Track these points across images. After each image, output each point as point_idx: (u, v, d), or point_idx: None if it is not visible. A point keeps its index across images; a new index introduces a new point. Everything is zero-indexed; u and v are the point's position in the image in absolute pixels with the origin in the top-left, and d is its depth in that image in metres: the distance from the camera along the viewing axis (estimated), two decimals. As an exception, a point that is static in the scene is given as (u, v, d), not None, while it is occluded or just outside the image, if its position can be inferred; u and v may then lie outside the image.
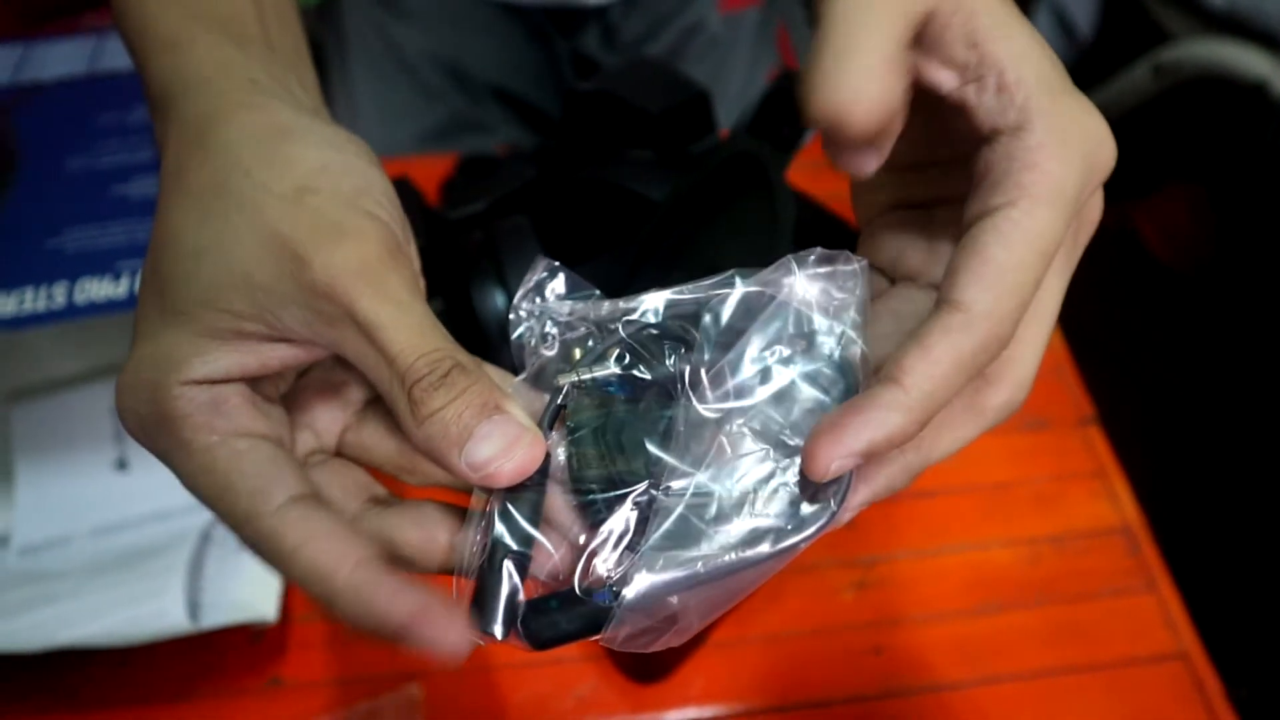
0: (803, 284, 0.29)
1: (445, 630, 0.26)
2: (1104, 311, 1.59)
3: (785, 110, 0.56)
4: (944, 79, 0.29)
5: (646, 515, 0.28)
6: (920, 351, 0.26)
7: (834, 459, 0.26)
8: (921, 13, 0.28)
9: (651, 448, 0.29)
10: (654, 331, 0.31)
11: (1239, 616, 1.03)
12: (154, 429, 0.28)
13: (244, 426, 0.28)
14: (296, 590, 0.57)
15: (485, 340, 0.53)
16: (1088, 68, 1.68)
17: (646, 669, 0.54)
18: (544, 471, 0.28)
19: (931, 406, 0.26)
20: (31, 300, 0.51)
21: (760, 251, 0.50)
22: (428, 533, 0.30)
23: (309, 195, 0.28)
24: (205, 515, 0.59)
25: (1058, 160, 0.27)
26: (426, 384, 0.27)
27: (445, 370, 0.27)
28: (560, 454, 0.30)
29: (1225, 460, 1.38)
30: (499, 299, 0.52)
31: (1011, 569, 0.58)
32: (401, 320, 0.27)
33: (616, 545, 0.28)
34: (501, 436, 0.27)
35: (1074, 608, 0.56)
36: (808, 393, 0.29)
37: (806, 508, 0.28)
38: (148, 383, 0.27)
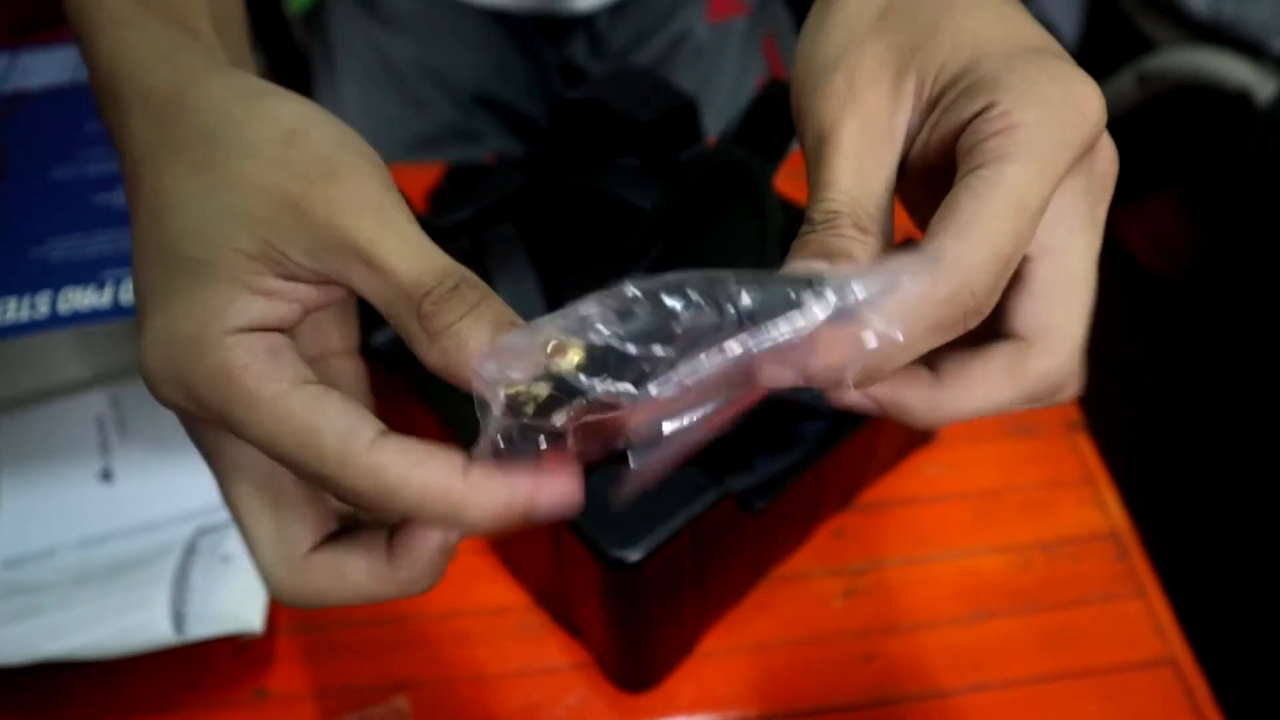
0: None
1: (564, 486, 0.27)
2: (1092, 317, 1.60)
3: (773, 119, 0.56)
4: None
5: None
6: (895, 297, 0.26)
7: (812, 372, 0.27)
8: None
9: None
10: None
11: (1227, 622, 1.03)
12: (207, 388, 0.26)
13: (305, 374, 0.27)
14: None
15: None
16: (1073, 76, 1.69)
17: (636, 678, 0.54)
18: None
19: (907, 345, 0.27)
20: (15, 310, 0.51)
21: (748, 259, 0.50)
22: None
23: (299, 138, 0.28)
24: (191, 526, 0.58)
25: (1029, 118, 0.27)
26: (437, 296, 0.26)
27: (454, 284, 0.26)
28: None
29: (1212, 466, 1.38)
30: None
31: (1001, 576, 0.58)
32: (404, 243, 0.27)
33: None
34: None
35: (1064, 614, 0.56)
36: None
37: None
38: (188, 339, 0.26)
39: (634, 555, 0.45)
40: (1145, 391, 1.51)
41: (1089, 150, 0.30)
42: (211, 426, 0.28)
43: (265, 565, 0.29)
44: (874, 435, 0.56)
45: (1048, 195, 0.28)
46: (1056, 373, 0.30)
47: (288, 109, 0.28)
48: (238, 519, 0.29)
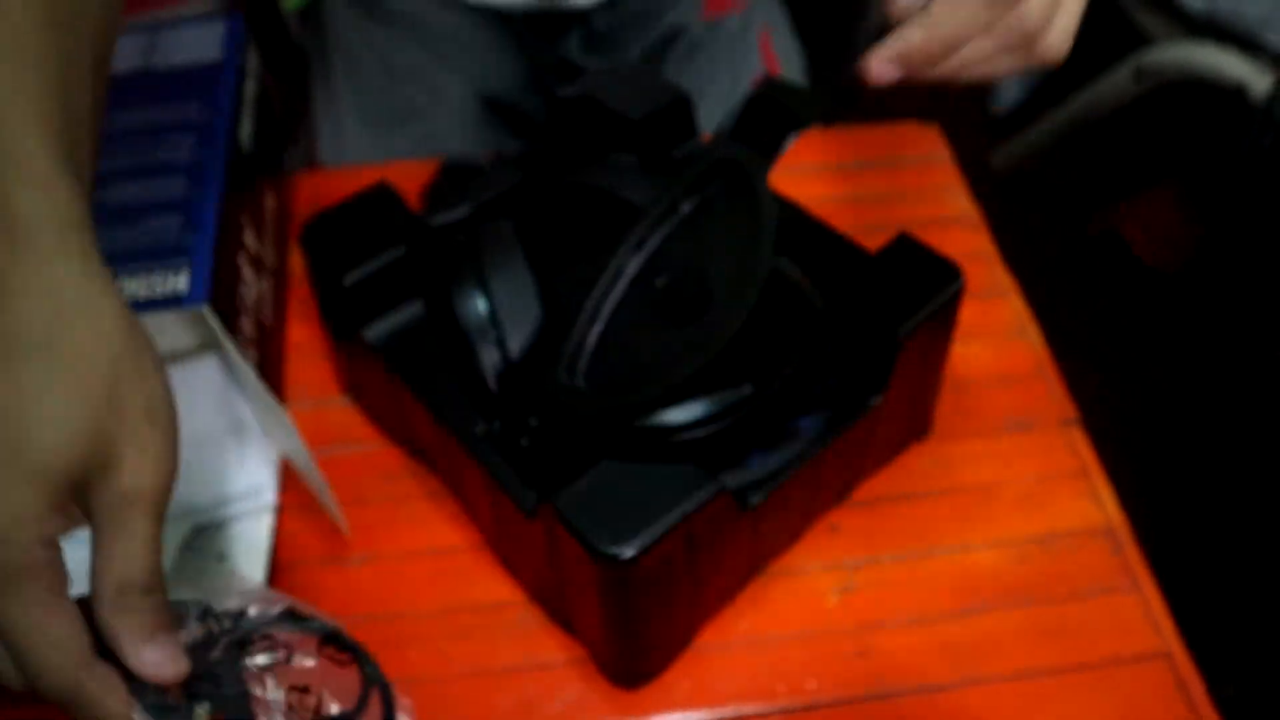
0: None
1: None
2: (1086, 312, 1.60)
3: (768, 115, 0.56)
4: None
5: None
6: None
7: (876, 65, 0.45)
8: None
9: None
10: None
11: (1223, 615, 1.04)
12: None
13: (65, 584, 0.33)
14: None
15: (466, 345, 0.53)
16: (1070, 71, 1.69)
17: (631, 675, 0.54)
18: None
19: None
20: (9, 308, 0.51)
21: (741, 255, 0.50)
22: None
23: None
24: (186, 524, 0.58)
25: None
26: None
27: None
28: None
29: (1208, 459, 1.39)
30: (480, 304, 0.52)
31: (996, 570, 0.58)
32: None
33: None
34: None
35: (1059, 608, 0.57)
36: None
37: None
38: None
39: (628, 551, 0.45)
40: (1139, 385, 1.52)
41: None
42: None
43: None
44: (870, 429, 0.56)
45: None
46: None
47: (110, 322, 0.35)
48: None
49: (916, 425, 0.63)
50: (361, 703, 0.42)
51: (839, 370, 0.54)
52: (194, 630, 0.40)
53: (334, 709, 0.41)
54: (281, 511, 0.60)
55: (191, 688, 0.38)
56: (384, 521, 0.60)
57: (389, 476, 0.62)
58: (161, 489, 0.33)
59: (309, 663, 0.43)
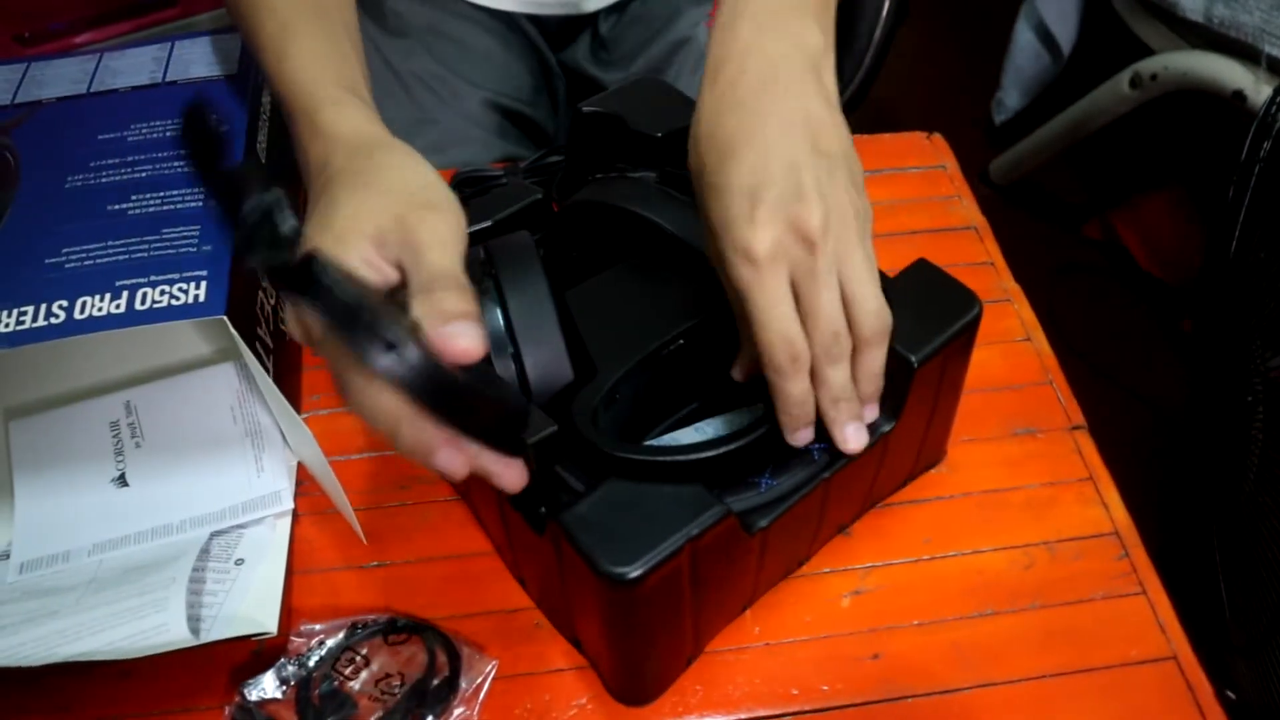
0: None
1: None
2: (1091, 320, 1.61)
3: None
4: None
5: None
6: None
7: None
8: None
9: None
10: None
11: (1230, 619, 1.04)
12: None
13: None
14: (296, 603, 0.57)
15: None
16: (1070, 80, 1.70)
17: (635, 694, 0.54)
18: None
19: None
20: (31, 318, 0.51)
21: None
22: None
23: (421, 188, 0.45)
24: (205, 530, 0.59)
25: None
26: (440, 286, 0.41)
27: (454, 286, 0.42)
28: None
29: (1213, 463, 1.39)
30: (497, 317, 0.52)
31: (1005, 574, 0.59)
32: (444, 257, 0.42)
33: None
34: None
35: (1067, 612, 0.57)
36: None
37: None
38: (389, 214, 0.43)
39: (632, 571, 0.45)
40: (1146, 390, 1.52)
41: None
42: None
43: None
44: (881, 455, 0.56)
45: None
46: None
47: (421, 170, 0.47)
48: None
49: (930, 452, 0.62)
50: (429, 666, 0.54)
51: None
52: (289, 680, 0.53)
53: (414, 680, 0.53)
54: (299, 517, 0.61)
55: None
56: (398, 528, 0.61)
57: (403, 483, 0.63)
58: (456, 264, 0.43)
59: (382, 657, 0.54)
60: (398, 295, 0.43)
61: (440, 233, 0.43)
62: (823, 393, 0.48)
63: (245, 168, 0.38)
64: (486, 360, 0.42)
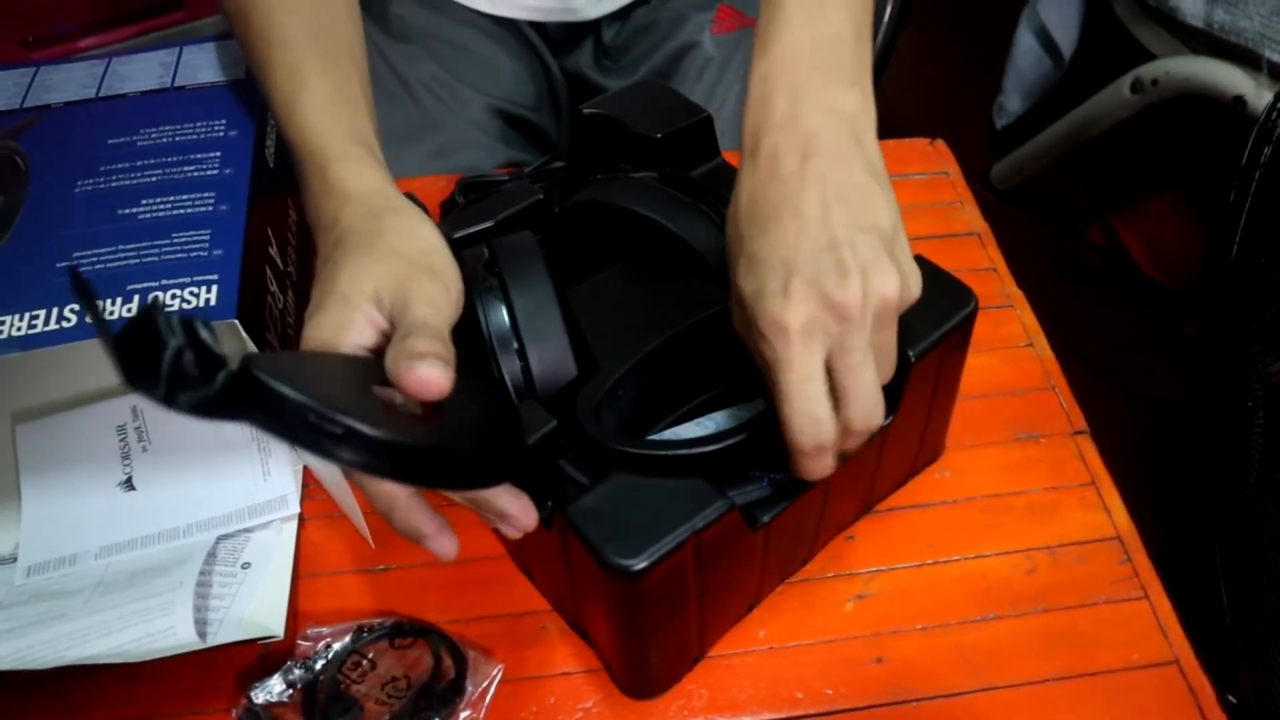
0: None
1: None
2: (1093, 324, 1.61)
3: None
4: None
5: None
6: None
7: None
8: None
9: None
10: None
11: (1231, 623, 1.04)
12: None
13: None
14: (302, 606, 0.58)
15: (485, 355, 0.54)
16: (1071, 85, 1.71)
17: (642, 687, 0.55)
18: None
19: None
20: (43, 321, 0.52)
21: None
22: None
23: (424, 254, 0.47)
24: (211, 534, 0.59)
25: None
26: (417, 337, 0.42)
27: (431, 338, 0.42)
28: None
29: (1215, 467, 1.39)
30: (501, 313, 0.53)
31: (1008, 578, 0.59)
32: (433, 316, 0.44)
33: None
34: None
35: (1069, 616, 0.58)
36: None
37: None
38: (324, 342, 0.44)
39: (637, 564, 0.45)
40: (1148, 394, 1.53)
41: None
42: None
43: None
44: (880, 449, 0.56)
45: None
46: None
47: (425, 235, 0.48)
48: None
49: (928, 448, 0.63)
50: (435, 669, 0.54)
51: None
52: (296, 683, 0.53)
53: (420, 683, 0.54)
54: (305, 521, 0.61)
55: None
56: (405, 531, 0.61)
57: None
58: (440, 321, 0.44)
59: (388, 661, 0.54)
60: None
61: (430, 294, 0.45)
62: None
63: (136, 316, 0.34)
64: (465, 391, 0.41)
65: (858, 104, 0.48)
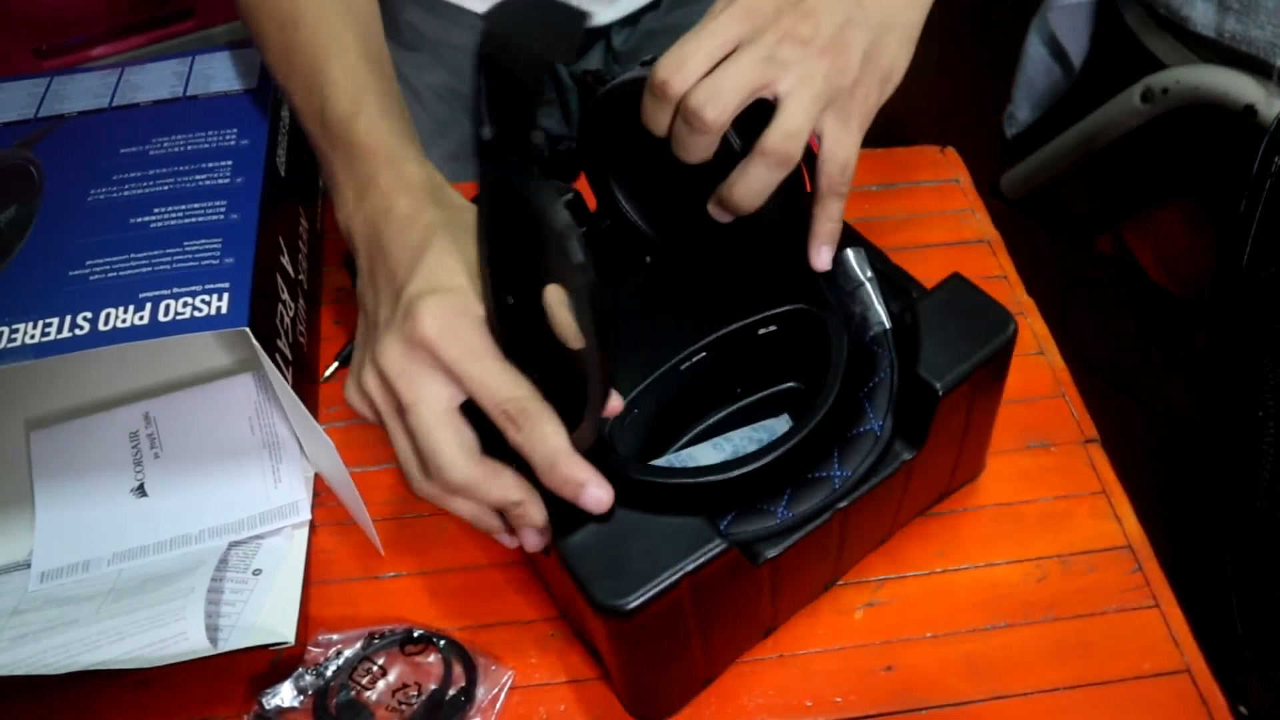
0: None
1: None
2: (1104, 333, 1.61)
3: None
4: None
5: None
6: None
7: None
8: None
9: None
10: None
11: (1243, 631, 1.04)
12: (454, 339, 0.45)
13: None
14: (313, 612, 0.58)
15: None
16: (1081, 94, 1.71)
17: (647, 714, 0.55)
18: None
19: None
20: (56, 329, 0.52)
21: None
22: None
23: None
24: (223, 540, 0.59)
25: None
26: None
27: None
28: None
29: (1226, 475, 1.39)
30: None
31: (1018, 587, 0.59)
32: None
33: None
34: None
35: (1080, 624, 0.57)
36: None
37: None
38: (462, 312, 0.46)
39: (628, 604, 0.45)
40: (1159, 403, 1.52)
41: None
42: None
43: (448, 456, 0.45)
44: (904, 484, 0.54)
45: None
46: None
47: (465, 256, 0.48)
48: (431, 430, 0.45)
49: (965, 470, 0.60)
50: (446, 677, 0.55)
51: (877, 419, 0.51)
52: (307, 690, 0.54)
53: (430, 690, 0.54)
54: (316, 528, 0.61)
55: None
56: (415, 539, 0.61)
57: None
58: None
59: (399, 668, 0.55)
60: None
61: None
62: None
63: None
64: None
65: None
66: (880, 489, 0.51)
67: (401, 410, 0.46)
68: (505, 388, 0.44)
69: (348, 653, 0.55)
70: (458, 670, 0.55)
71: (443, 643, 0.56)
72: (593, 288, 0.38)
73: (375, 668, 0.55)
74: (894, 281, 0.56)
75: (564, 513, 0.47)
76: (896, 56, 0.51)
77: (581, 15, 0.73)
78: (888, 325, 0.53)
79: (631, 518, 0.47)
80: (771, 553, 0.48)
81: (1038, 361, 0.70)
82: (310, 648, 0.56)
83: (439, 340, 0.44)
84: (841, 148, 0.50)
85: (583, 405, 0.43)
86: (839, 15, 0.49)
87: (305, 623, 0.57)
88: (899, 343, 0.53)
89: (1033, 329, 0.72)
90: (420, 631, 0.56)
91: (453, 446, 0.45)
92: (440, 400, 0.45)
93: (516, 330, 0.46)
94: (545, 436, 0.44)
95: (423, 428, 0.45)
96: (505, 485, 0.46)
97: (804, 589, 0.57)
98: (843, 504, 0.50)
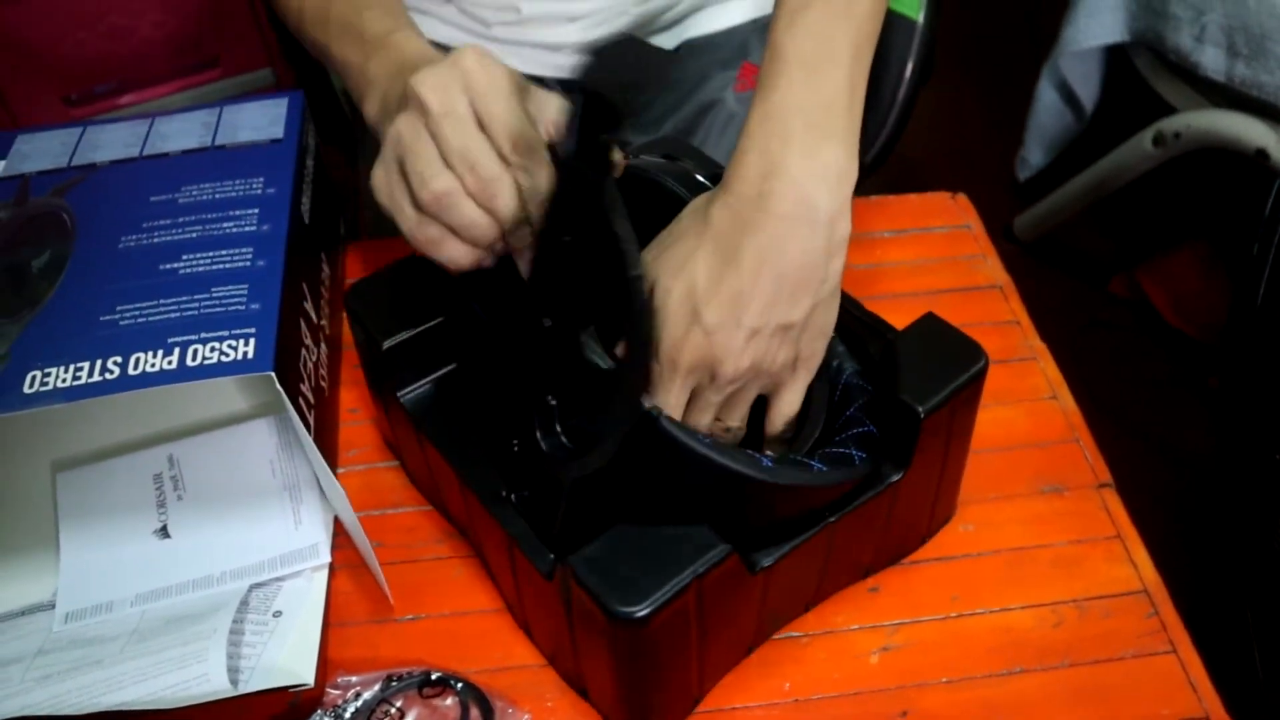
0: None
1: None
2: (1118, 376, 1.60)
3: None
4: None
5: None
6: None
7: None
8: None
9: None
10: None
11: (1261, 677, 1.03)
12: None
13: None
14: (332, 655, 0.58)
15: (496, 411, 0.56)
16: (1093, 138, 1.72)
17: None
18: None
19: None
20: (87, 374, 0.53)
21: None
22: None
23: None
24: (244, 583, 0.60)
25: None
26: None
27: None
28: None
29: (1241, 519, 1.38)
30: None
31: (1034, 632, 0.59)
32: None
33: None
34: None
35: (1097, 670, 0.57)
36: None
37: None
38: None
39: (641, 611, 0.46)
40: (1172, 447, 1.52)
41: None
42: None
43: None
44: (889, 505, 0.56)
45: None
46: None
47: None
48: None
49: (940, 509, 0.63)
50: (463, 718, 0.55)
51: (861, 444, 0.55)
52: None
53: None
54: (336, 570, 0.62)
55: None
56: (434, 581, 0.62)
57: (438, 538, 0.64)
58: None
59: (417, 710, 0.55)
60: None
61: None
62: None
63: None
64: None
65: (844, 161, 0.51)
66: (869, 507, 0.54)
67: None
68: (517, 122, 0.52)
69: (366, 695, 0.56)
70: (475, 713, 0.55)
71: (460, 685, 0.56)
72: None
73: (393, 710, 0.55)
74: (868, 325, 0.60)
75: (568, 535, 0.49)
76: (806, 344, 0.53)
77: (671, 55, 0.78)
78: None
79: (634, 531, 0.50)
80: (767, 561, 0.51)
81: (1050, 406, 0.70)
82: (329, 690, 0.56)
83: (477, 65, 0.51)
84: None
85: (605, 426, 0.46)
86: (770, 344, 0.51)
87: (324, 665, 0.58)
88: (878, 377, 0.57)
89: (1045, 374, 0.72)
90: (438, 674, 0.57)
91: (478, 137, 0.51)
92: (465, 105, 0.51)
93: (548, 353, 0.47)
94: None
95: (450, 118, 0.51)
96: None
97: (786, 605, 0.58)
98: (832, 518, 0.53)
